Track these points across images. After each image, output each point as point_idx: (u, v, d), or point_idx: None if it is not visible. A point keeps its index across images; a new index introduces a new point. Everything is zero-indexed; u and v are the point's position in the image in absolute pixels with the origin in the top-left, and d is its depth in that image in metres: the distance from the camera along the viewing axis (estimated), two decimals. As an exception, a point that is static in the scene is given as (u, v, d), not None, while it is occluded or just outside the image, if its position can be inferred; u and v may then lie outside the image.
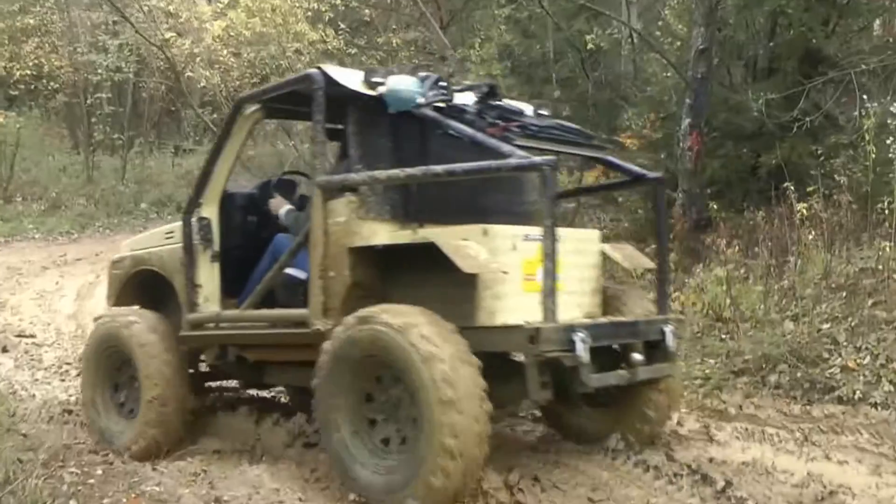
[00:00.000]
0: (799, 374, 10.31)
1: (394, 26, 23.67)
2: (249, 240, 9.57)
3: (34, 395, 11.98)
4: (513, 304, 7.47)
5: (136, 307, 10.16)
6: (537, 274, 7.34)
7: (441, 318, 7.30)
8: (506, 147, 7.34)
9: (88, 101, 31.60)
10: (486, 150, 7.49)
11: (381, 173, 7.84)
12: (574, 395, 7.95)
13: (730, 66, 16.66)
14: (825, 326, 10.94)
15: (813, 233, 12.53)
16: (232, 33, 22.08)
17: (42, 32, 28.68)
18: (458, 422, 6.93)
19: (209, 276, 9.31)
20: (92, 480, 8.49)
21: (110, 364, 9.91)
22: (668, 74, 16.99)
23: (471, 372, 7.09)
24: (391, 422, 7.63)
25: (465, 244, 7.29)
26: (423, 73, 8.29)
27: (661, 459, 8.22)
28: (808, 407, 9.93)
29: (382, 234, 7.96)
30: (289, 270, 8.67)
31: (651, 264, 9.05)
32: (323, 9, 22.49)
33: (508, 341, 7.45)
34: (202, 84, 24.01)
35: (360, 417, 7.74)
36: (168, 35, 23.64)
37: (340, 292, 8.00)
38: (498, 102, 8.23)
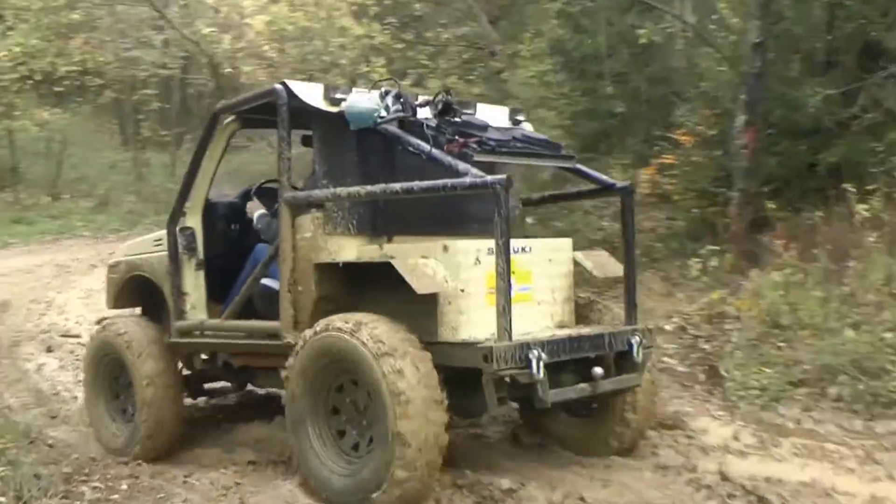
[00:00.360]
0: (861, 387, 9.79)
1: (443, 21, 23.33)
2: (234, 248, 9.81)
3: (76, 397, 11.90)
4: (477, 318, 7.71)
5: (128, 314, 10.73)
6: None
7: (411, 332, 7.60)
8: (461, 165, 7.50)
9: (135, 98, 31.62)
10: (444, 166, 7.66)
11: (343, 190, 8.13)
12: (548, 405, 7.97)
13: (786, 61, 16.19)
14: (888, 336, 10.37)
15: (874, 235, 12.00)
16: (274, 28, 21.77)
17: (89, 28, 28.52)
18: (412, 411, 7.22)
19: (195, 285, 9.64)
20: (116, 496, 8.33)
21: (108, 372, 10.27)
22: (723, 69, 16.52)
23: (421, 364, 7.41)
24: (355, 426, 7.89)
25: (422, 263, 7.67)
26: (384, 89, 8.37)
27: (715, 479, 7.99)
28: (870, 422, 9.42)
29: (350, 248, 8.29)
30: (265, 281, 8.88)
31: (619, 271, 8.99)
32: (369, 2, 22.14)
33: (467, 357, 7.49)
34: (243, 80, 23.76)
35: (327, 424, 8.02)
36: (207, 31, 23.38)
37: (308, 306, 8.27)
38: (459, 117, 8.32)
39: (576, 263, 8.87)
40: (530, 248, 8.32)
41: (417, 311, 7.76)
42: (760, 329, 11.45)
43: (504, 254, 7.20)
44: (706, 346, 11.61)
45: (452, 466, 8.19)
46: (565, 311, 8.64)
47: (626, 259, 8.78)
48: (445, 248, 7.75)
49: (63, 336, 15.58)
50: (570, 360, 7.91)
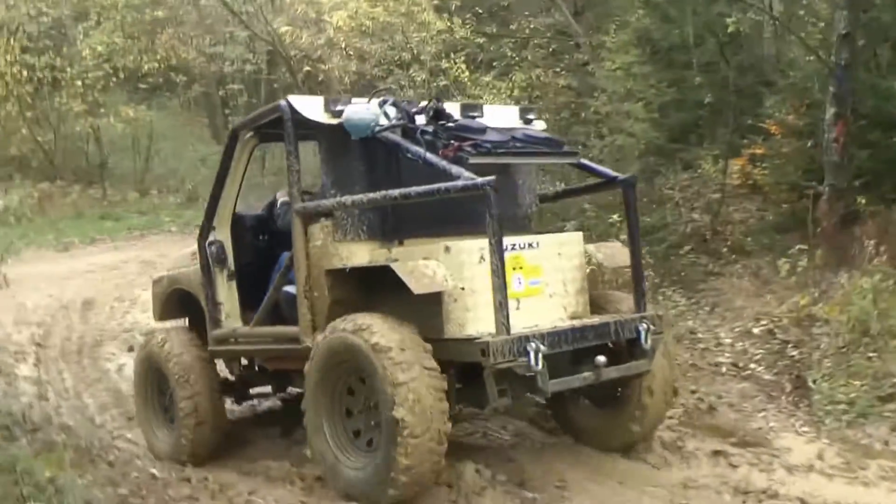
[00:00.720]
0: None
1: (526, 12, 23.04)
2: (264, 257, 10.08)
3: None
4: (484, 314, 7.98)
5: (171, 324, 11.13)
6: (513, 281, 8.23)
7: (416, 329, 8.03)
8: (454, 169, 7.86)
9: (221, 92, 31.79)
10: (439, 170, 8.03)
11: (346, 198, 8.52)
12: (575, 392, 8.98)
13: (876, 50, 15.75)
14: None
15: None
16: (354, 24, 21.64)
17: (175, 23, 28.67)
18: (412, 400, 7.63)
19: (228, 295, 10.07)
20: (170, 524, 8.24)
21: (154, 382, 10.69)
22: (811, 59, 16.13)
23: (420, 356, 7.83)
24: (366, 421, 8.29)
25: (422, 265, 8.02)
26: (381, 98, 8.76)
27: (798, 504, 7.66)
28: (966, 446, 9.00)
29: (361, 253, 8.68)
30: (286, 288, 9.23)
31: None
32: (450, -4, 21.87)
33: (469, 352, 7.89)
34: (321, 78, 23.74)
35: (342, 421, 8.47)
36: (284, 29, 23.31)
37: (324, 311, 8.66)
38: (455, 122, 8.69)
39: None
40: (538, 244, 8.70)
41: (425, 310, 8.11)
42: (850, 336, 11.04)
43: (497, 252, 7.64)
44: (794, 353, 11.23)
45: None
46: (579, 303, 8.96)
47: (632, 248, 9.18)
48: (447, 249, 8.15)
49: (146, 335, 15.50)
50: (580, 349, 8.37)
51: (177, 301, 10.98)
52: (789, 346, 11.44)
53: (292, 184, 8.87)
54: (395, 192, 8.26)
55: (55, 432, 10.49)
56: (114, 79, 29.84)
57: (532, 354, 7.77)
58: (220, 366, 10.80)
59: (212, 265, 10.05)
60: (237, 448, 10.59)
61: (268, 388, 11.18)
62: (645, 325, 8.68)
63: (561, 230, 11.92)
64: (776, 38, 18.32)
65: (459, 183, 7.77)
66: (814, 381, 10.49)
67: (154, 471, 9.68)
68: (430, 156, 8.15)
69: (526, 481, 8.67)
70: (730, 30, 16.44)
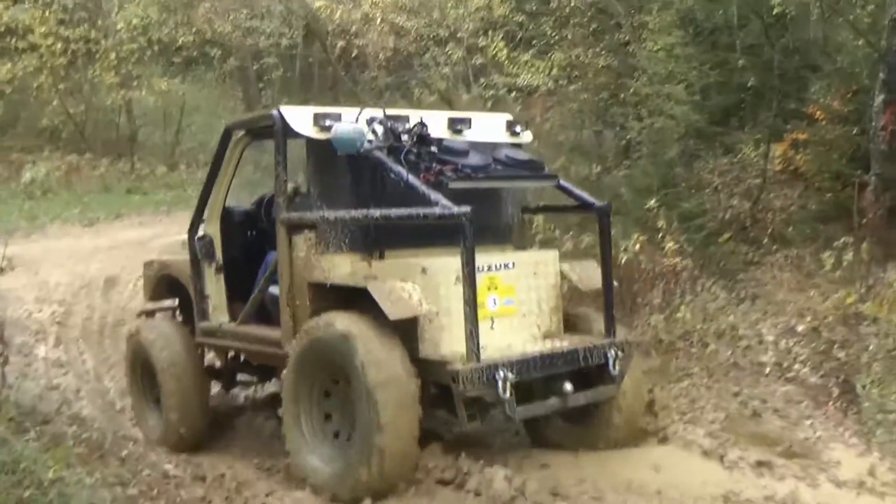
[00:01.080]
0: None
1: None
2: (252, 252, 10.46)
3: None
4: (459, 334, 8.14)
5: (159, 315, 11.59)
6: (487, 301, 8.65)
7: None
8: (433, 195, 8.07)
9: (256, 67, 31.57)
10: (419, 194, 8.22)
11: (330, 214, 8.78)
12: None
13: (929, 35, 15.23)
14: None
15: None
16: (390, 0, 21.19)
17: (211, -2, 28.43)
18: (383, 384, 7.96)
19: (215, 288, 10.43)
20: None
21: (145, 371, 11.07)
22: (860, 44, 15.58)
23: (394, 357, 8.17)
24: (341, 418, 8.61)
25: (399, 287, 8.30)
26: (370, 117, 8.90)
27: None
28: None
29: (343, 266, 8.91)
30: (272, 289, 9.48)
31: (614, 282, 9.67)
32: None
33: (440, 375, 8.15)
34: (355, 54, 23.36)
35: (319, 420, 8.81)
36: (319, 3, 22.86)
37: (305, 319, 8.89)
38: (440, 143, 8.98)
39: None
40: (513, 264, 9.03)
41: (401, 327, 8.33)
42: (904, 339, 10.57)
43: (469, 281, 7.92)
44: (841, 355, 10.61)
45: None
46: (553, 321, 9.32)
47: (604, 272, 9.33)
48: (424, 271, 8.43)
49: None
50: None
51: (167, 284, 11.42)
52: (835, 346, 10.83)
53: (278, 193, 9.17)
54: (377, 212, 8.49)
55: (67, 423, 10.29)
56: (148, 52, 29.72)
57: (500, 383, 8.05)
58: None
59: (200, 259, 10.39)
60: (256, 442, 10.47)
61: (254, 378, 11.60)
62: (613, 352, 8.97)
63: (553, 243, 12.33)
64: (823, 21, 17.70)
65: (437, 210, 8.00)
66: (863, 387, 9.95)
67: (169, 467, 9.49)
68: (411, 178, 8.35)
69: (559, 491, 8.36)
70: (775, 11, 15.92)
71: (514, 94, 18.87)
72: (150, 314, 11.76)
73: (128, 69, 29.27)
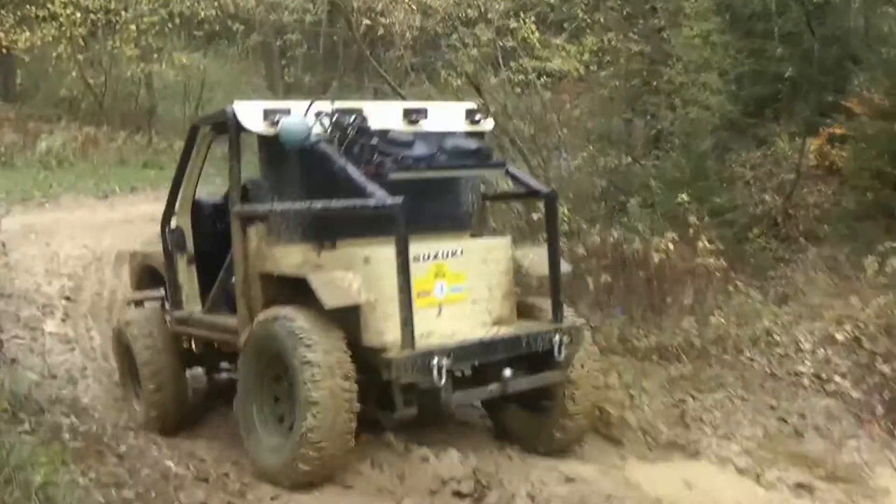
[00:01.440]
0: None
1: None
2: (222, 243, 10.07)
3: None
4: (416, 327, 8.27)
5: (143, 303, 11.49)
6: (434, 289, 8.87)
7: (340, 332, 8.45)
8: (370, 186, 8.25)
9: (279, 42, 31.21)
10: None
11: (279, 205, 9.02)
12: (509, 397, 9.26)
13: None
14: None
15: None
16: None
17: (238, -31, 28.05)
18: (321, 379, 8.12)
19: (188, 278, 10.57)
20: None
21: (127, 356, 11.10)
22: (906, 33, 15.07)
23: (329, 339, 8.32)
24: (286, 403, 8.71)
25: (339, 277, 8.47)
26: (317, 110, 8.97)
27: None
28: None
29: (295, 255, 9.04)
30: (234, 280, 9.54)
31: (567, 268, 9.86)
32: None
33: (378, 363, 8.31)
34: (380, 32, 22.85)
35: (268, 406, 8.95)
36: (342, -23, 22.37)
37: (259, 308, 9.07)
38: (386, 135, 9.00)
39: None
40: (462, 251, 9.14)
41: (347, 316, 8.48)
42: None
43: (403, 270, 8.11)
44: (885, 368, 10.03)
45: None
46: (504, 307, 9.40)
47: (551, 260, 9.34)
48: (367, 260, 8.54)
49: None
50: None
51: (149, 275, 11.59)
52: (878, 358, 10.26)
53: (232, 187, 9.40)
54: (317, 204, 8.67)
55: (64, 413, 10.05)
56: (169, 24, 29.31)
57: (435, 370, 8.18)
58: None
59: (172, 250, 10.54)
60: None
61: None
62: (559, 337, 8.98)
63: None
64: (866, 9, 17.15)
65: (371, 202, 8.21)
66: (910, 404, 9.42)
67: (170, 464, 9.13)
68: (351, 170, 8.52)
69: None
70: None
71: (543, 78, 18.24)
72: (138, 303, 11.67)
73: (148, 42, 28.92)
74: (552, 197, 9.63)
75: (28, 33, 28.26)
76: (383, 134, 9.02)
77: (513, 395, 9.18)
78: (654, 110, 17.94)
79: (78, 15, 28.15)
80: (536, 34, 18.23)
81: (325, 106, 9.07)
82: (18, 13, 28.70)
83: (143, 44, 28.88)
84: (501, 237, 10.15)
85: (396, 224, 8.07)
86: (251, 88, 34.31)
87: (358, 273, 8.47)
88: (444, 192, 9.78)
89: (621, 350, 11.73)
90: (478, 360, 8.78)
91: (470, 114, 10.14)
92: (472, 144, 9.54)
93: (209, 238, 10.63)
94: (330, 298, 8.28)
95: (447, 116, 10.00)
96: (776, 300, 12.60)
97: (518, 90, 18.28)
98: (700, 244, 12.51)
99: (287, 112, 8.97)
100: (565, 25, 20.52)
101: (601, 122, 19.10)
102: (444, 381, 8.24)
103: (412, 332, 8.17)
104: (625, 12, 20.12)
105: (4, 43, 28.40)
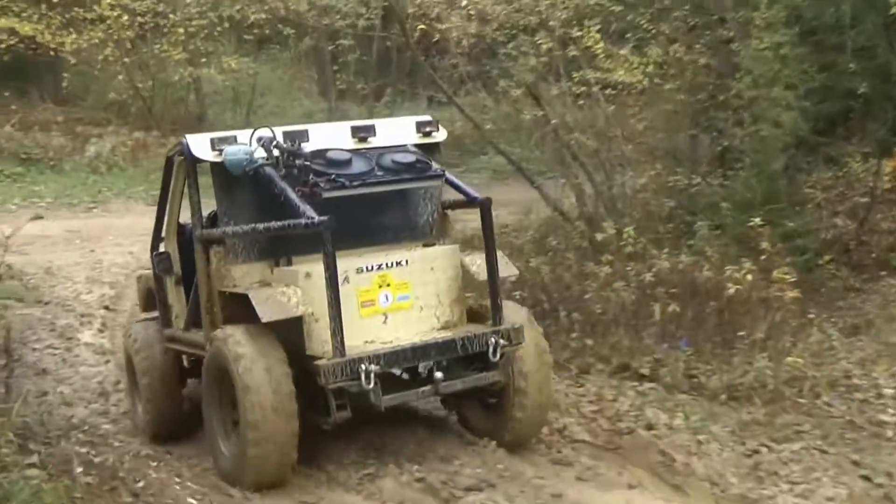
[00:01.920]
0: None
1: (668, -20, 21.13)
2: None
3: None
4: (350, 332, 8.89)
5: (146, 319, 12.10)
6: (378, 299, 9.48)
7: (276, 339, 9.04)
8: (301, 206, 8.84)
9: (331, 47, 30.77)
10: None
11: (230, 228, 9.61)
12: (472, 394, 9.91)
13: None
14: None
15: None
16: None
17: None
18: (259, 400, 8.66)
19: (176, 298, 11.14)
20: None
21: (131, 368, 11.65)
22: None
23: (270, 362, 8.81)
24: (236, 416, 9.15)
25: (279, 292, 9.08)
26: (259, 135, 9.58)
27: None
28: None
29: (253, 274, 9.71)
30: None
31: (513, 271, 10.39)
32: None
33: (312, 370, 8.84)
34: (436, 38, 22.24)
35: (222, 416, 9.47)
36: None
37: (220, 324, 9.62)
38: (321, 155, 9.63)
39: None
40: (407, 261, 9.68)
41: (293, 328, 9.11)
42: None
43: (332, 285, 8.67)
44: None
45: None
46: (454, 312, 9.91)
47: (489, 265, 9.66)
48: (308, 275, 9.11)
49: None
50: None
51: (153, 296, 11.84)
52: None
53: (193, 212, 9.96)
54: (260, 225, 9.32)
55: (80, 441, 10.29)
56: (218, 28, 28.82)
57: (363, 375, 8.71)
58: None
59: (161, 273, 11.21)
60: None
61: None
62: (494, 339, 9.34)
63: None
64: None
65: (301, 221, 8.79)
66: None
67: (192, 502, 9.04)
68: (288, 192, 9.06)
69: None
70: (893, 10, 14.49)
71: (606, 90, 17.50)
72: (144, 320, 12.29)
73: (196, 45, 28.49)
74: (486, 205, 9.80)
75: (75, 35, 27.96)
76: (322, 153, 9.67)
77: (472, 391, 9.77)
78: (721, 126, 17.07)
79: (125, 18, 27.92)
80: (601, 43, 17.50)
81: (266, 132, 9.62)
82: (67, 15, 28.57)
83: (191, 47, 28.46)
84: (449, 245, 10.44)
85: (322, 241, 8.61)
86: (303, 94, 33.97)
87: (299, 288, 9.05)
88: (393, 204, 10.33)
89: (687, 387, 11.15)
90: (410, 364, 9.27)
91: (421, 126, 10.60)
92: (410, 158, 10.10)
93: (194, 260, 10.96)
94: (265, 313, 8.88)
95: (397, 131, 10.56)
96: (851, 336, 11.99)
97: (580, 102, 17.58)
98: (774, 273, 11.79)
99: (234, 140, 9.57)
100: (628, 36, 19.74)
101: (665, 138, 18.32)
102: (372, 385, 8.76)
103: (341, 340, 8.72)
104: (691, 23, 19.34)
105: (52, 44, 28.20)
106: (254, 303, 8.94)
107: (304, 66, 36.29)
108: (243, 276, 9.68)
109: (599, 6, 18.67)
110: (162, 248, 11.29)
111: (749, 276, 11.67)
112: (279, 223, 9.07)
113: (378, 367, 8.83)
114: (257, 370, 8.77)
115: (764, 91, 15.54)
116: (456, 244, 10.48)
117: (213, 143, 9.55)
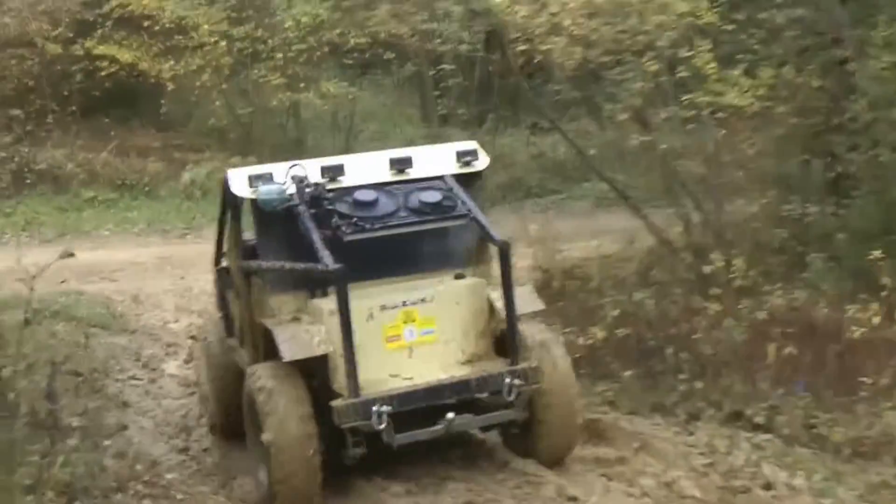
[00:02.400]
0: None
1: (779, 1, 20.29)
2: None
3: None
4: (375, 365, 9.56)
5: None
6: (403, 334, 9.88)
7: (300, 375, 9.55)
8: (322, 252, 9.33)
9: (432, 73, 30.65)
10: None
11: (260, 263, 10.34)
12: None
13: None
14: None
15: None
16: (583, 1, 19.30)
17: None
18: (279, 426, 9.20)
19: (236, 312, 11.49)
20: None
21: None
22: None
23: (290, 392, 9.36)
24: None
25: (303, 329, 9.59)
26: (293, 172, 10.00)
27: None
28: None
29: (291, 304, 10.16)
30: None
31: (538, 306, 10.47)
32: (697, -25, 19.01)
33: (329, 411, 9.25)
34: (537, 60, 21.67)
35: (257, 443, 9.71)
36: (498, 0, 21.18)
37: (262, 351, 10.27)
38: (349, 195, 10.07)
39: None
40: (432, 297, 10.04)
41: (319, 364, 9.56)
42: None
43: (345, 327, 9.15)
44: None
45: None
46: (479, 345, 10.25)
47: (507, 306, 9.90)
48: (332, 313, 9.36)
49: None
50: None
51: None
52: None
53: (231, 246, 10.88)
54: (286, 265, 9.96)
55: (136, 497, 10.12)
56: (317, 53, 28.54)
57: (375, 416, 9.12)
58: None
59: (222, 287, 12.04)
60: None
61: None
62: (510, 379, 9.63)
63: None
64: None
65: (319, 266, 9.32)
66: None
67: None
68: (312, 233, 9.56)
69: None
70: None
71: (717, 114, 16.74)
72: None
73: (295, 70, 28.24)
74: (505, 248, 10.00)
75: (172, 62, 27.91)
76: (350, 192, 10.08)
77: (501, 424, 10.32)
78: (836, 151, 16.27)
79: (223, 44, 27.72)
80: (714, 65, 16.74)
81: (300, 170, 10.02)
82: (168, 43, 28.76)
83: (289, 72, 28.23)
84: (476, 280, 10.66)
85: (337, 288, 9.17)
86: (405, 120, 33.58)
87: (323, 325, 9.50)
88: (422, 238, 10.55)
89: (807, 439, 10.46)
90: (423, 404, 9.53)
91: (461, 155, 10.81)
92: (437, 197, 10.30)
93: None
94: (288, 352, 9.38)
95: (436, 161, 10.83)
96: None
97: (690, 126, 16.86)
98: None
99: (269, 177, 9.96)
100: (738, 57, 18.93)
101: (776, 164, 17.48)
102: (383, 425, 9.14)
103: (356, 381, 9.20)
104: (804, 44, 18.50)
105: (152, 72, 28.20)
106: (277, 341, 9.46)
107: (406, 92, 35.88)
108: (280, 306, 10.17)
109: (709, 25, 17.90)
110: (224, 264, 11.74)
111: (876, 319, 10.88)
112: (301, 266, 9.69)
113: (390, 408, 9.21)
114: (280, 408, 9.27)
115: (882, 113, 14.91)
116: (483, 280, 10.64)
117: (251, 180, 10.01)
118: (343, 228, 9.69)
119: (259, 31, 28.55)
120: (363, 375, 9.34)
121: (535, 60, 21.11)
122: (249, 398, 9.77)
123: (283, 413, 9.23)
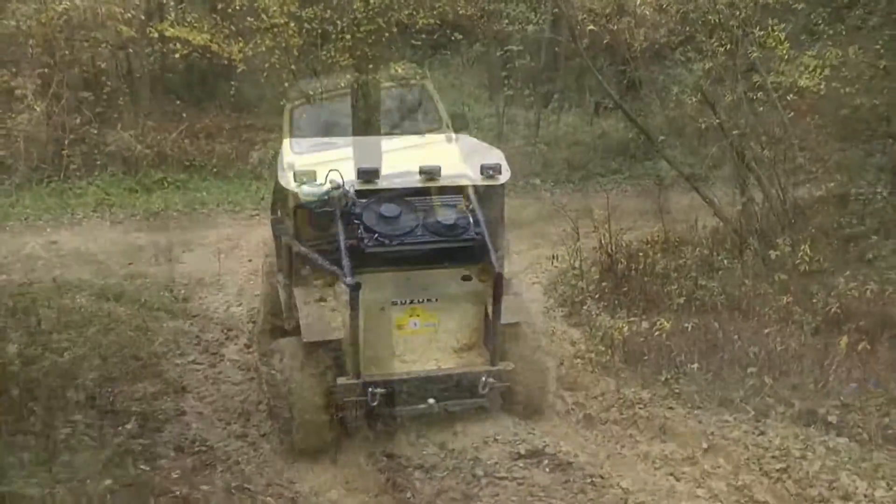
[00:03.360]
0: None
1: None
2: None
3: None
4: (386, 347, 11.08)
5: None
6: (409, 324, 11.23)
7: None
8: (344, 261, 10.59)
9: (498, 53, 30.29)
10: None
11: (303, 248, 11.44)
12: None
13: None
14: None
15: None
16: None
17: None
18: (297, 400, 10.69)
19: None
20: None
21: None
22: None
23: (305, 367, 10.77)
24: None
25: (328, 315, 11.00)
26: (332, 177, 10.94)
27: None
28: None
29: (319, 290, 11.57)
30: None
31: (523, 317, 11.69)
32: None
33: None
34: (606, 40, 21.46)
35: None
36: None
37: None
38: (376, 206, 11.16)
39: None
40: (437, 299, 11.34)
41: (338, 342, 10.88)
42: None
43: (353, 326, 10.49)
44: None
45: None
46: (472, 336, 11.53)
47: (494, 315, 11.08)
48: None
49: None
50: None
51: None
52: None
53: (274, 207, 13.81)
54: (317, 258, 11.15)
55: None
56: (386, 34, 28.56)
57: (370, 395, 10.69)
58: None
59: (279, 233, 12.73)
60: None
61: None
62: (485, 378, 11.05)
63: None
64: None
65: (339, 274, 10.66)
66: None
67: None
68: (339, 237, 10.80)
69: None
70: None
71: (787, 96, 16.44)
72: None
73: (363, 51, 28.23)
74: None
75: (242, 43, 28.01)
76: (378, 204, 11.15)
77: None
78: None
79: (292, 25, 27.84)
80: (786, 44, 16.42)
81: (337, 176, 10.95)
82: (240, 25, 28.85)
83: (358, 53, 28.23)
84: (479, 284, 11.60)
85: (349, 300, 10.36)
86: (473, 100, 33.45)
87: (341, 313, 10.87)
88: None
89: (882, 440, 10.14)
90: (410, 389, 10.94)
91: (485, 169, 11.55)
92: (452, 219, 11.28)
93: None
94: (308, 334, 10.75)
95: (461, 173, 11.77)
96: None
97: (759, 108, 16.57)
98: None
99: (314, 175, 11.00)
100: (803, 37, 18.58)
101: (843, 147, 17.19)
102: (375, 402, 10.71)
103: (358, 366, 10.65)
104: (870, 24, 18.10)
105: (224, 53, 28.32)
106: (301, 323, 10.85)
107: (476, 73, 35.77)
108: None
109: (780, 3, 17.52)
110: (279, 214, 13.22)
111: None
112: (328, 265, 10.95)
113: (383, 390, 10.76)
114: (295, 381, 10.75)
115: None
116: (485, 285, 11.46)
117: (297, 176, 11.11)
118: (366, 241, 10.89)
119: (328, 13, 28.47)
120: (373, 353, 10.97)
121: (603, 41, 20.89)
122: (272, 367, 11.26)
123: (301, 396, 10.70)
